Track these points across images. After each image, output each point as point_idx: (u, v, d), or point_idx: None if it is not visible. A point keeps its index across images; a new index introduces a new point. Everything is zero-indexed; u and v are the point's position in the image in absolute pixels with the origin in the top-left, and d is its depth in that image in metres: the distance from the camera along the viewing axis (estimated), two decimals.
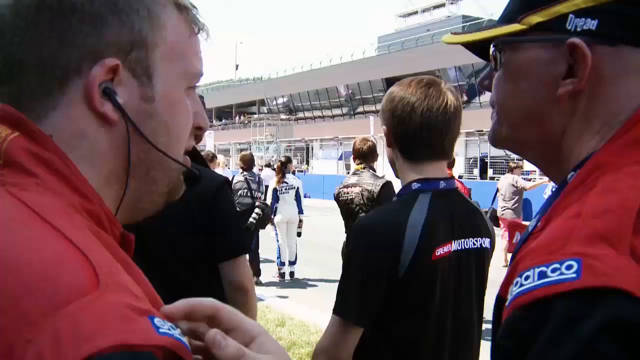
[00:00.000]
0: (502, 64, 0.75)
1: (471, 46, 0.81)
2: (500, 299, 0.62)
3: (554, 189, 0.73)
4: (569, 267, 0.51)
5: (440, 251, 1.48)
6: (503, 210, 8.89)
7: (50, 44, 0.58)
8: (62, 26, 0.58)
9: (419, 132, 1.51)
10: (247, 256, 2.03)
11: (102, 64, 0.58)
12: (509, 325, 0.54)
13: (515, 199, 8.92)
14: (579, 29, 0.66)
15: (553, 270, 0.52)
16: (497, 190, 9.02)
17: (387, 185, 4.34)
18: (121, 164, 0.62)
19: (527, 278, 0.53)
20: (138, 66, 0.61)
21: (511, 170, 9.34)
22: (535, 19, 0.69)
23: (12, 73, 0.59)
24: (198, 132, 0.72)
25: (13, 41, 0.58)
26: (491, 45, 0.76)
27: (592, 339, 0.47)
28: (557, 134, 0.71)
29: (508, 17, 0.73)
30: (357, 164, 4.62)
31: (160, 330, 0.45)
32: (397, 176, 1.64)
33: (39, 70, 0.58)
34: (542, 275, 0.52)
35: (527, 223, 0.77)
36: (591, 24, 0.65)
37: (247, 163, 7.63)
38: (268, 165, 12.10)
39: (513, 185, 8.94)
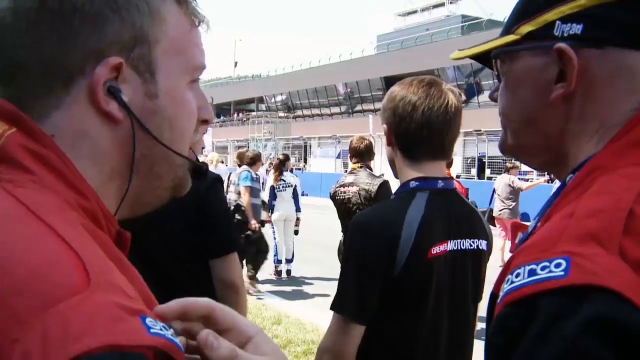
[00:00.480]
0: (503, 74, 0.78)
1: (479, 59, 0.84)
2: (493, 296, 0.63)
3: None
4: (557, 265, 0.52)
5: (436, 250, 1.48)
6: (500, 211, 8.90)
7: (52, 45, 0.57)
8: (63, 27, 0.57)
9: (420, 131, 1.51)
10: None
11: (106, 63, 0.58)
12: (499, 321, 0.56)
13: (512, 198, 8.93)
14: (565, 34, 0.69)
15: (542, 268, 0.53)
16: (494, 190, 9.04)
17: (385, 184, 4.34)
18: (124, 161, 0.62)
19: (517, 275, 0.55)
20: (141, 63, 0.61)
21: (507, 170, 9.36)
22: (526, 28, 0.72)
23: (13, 75, 0.58)
24: (204, 125, 0.72)
25: (14, 43, 0.57)
26: (492, 59, 0.79)
27: (577, 336, 0.48)
28: (556, 138, 0.73)
29: (506, 29, 0.77)
30: (354, 163, 4.62)
31: (152, 330, 0.45)
32: (396, 176, 1.64)
33: (40, 71, 0.57)
34: (531, 272, 0.53)
35: (528, 224, 0.78)
36: (576, 28, 0.68)
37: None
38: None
39: (509, 185, 8.96)
